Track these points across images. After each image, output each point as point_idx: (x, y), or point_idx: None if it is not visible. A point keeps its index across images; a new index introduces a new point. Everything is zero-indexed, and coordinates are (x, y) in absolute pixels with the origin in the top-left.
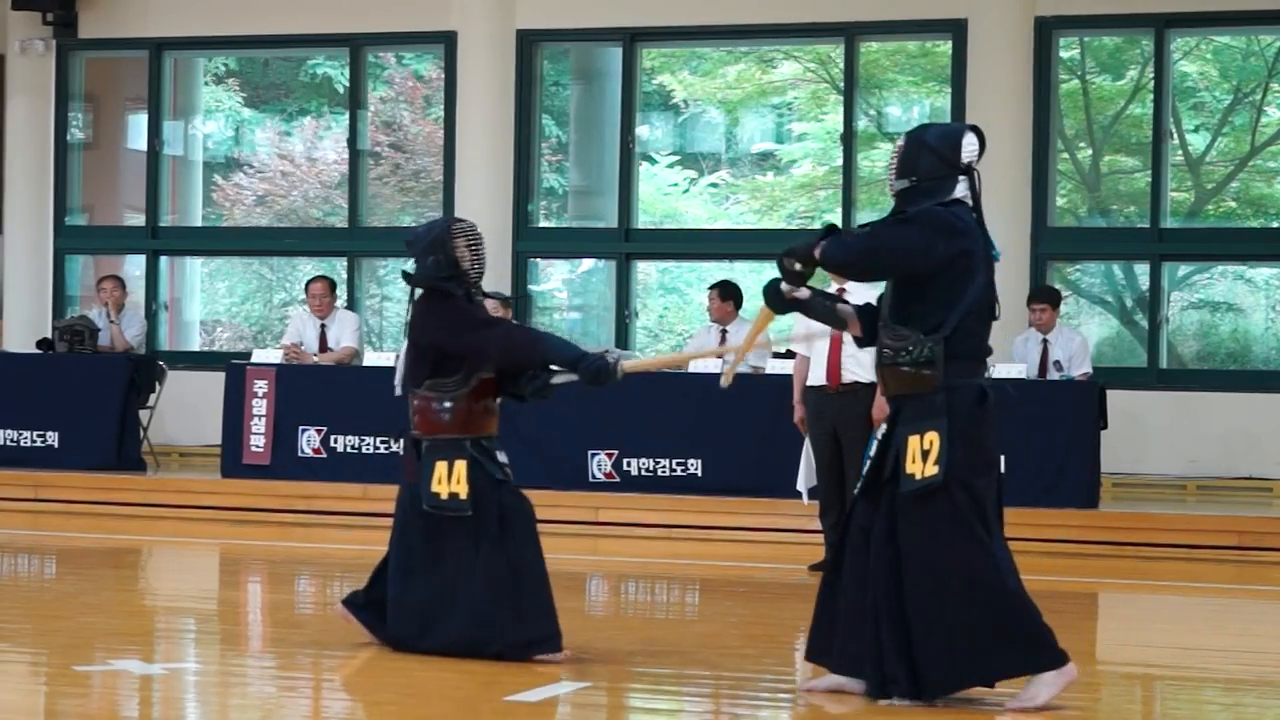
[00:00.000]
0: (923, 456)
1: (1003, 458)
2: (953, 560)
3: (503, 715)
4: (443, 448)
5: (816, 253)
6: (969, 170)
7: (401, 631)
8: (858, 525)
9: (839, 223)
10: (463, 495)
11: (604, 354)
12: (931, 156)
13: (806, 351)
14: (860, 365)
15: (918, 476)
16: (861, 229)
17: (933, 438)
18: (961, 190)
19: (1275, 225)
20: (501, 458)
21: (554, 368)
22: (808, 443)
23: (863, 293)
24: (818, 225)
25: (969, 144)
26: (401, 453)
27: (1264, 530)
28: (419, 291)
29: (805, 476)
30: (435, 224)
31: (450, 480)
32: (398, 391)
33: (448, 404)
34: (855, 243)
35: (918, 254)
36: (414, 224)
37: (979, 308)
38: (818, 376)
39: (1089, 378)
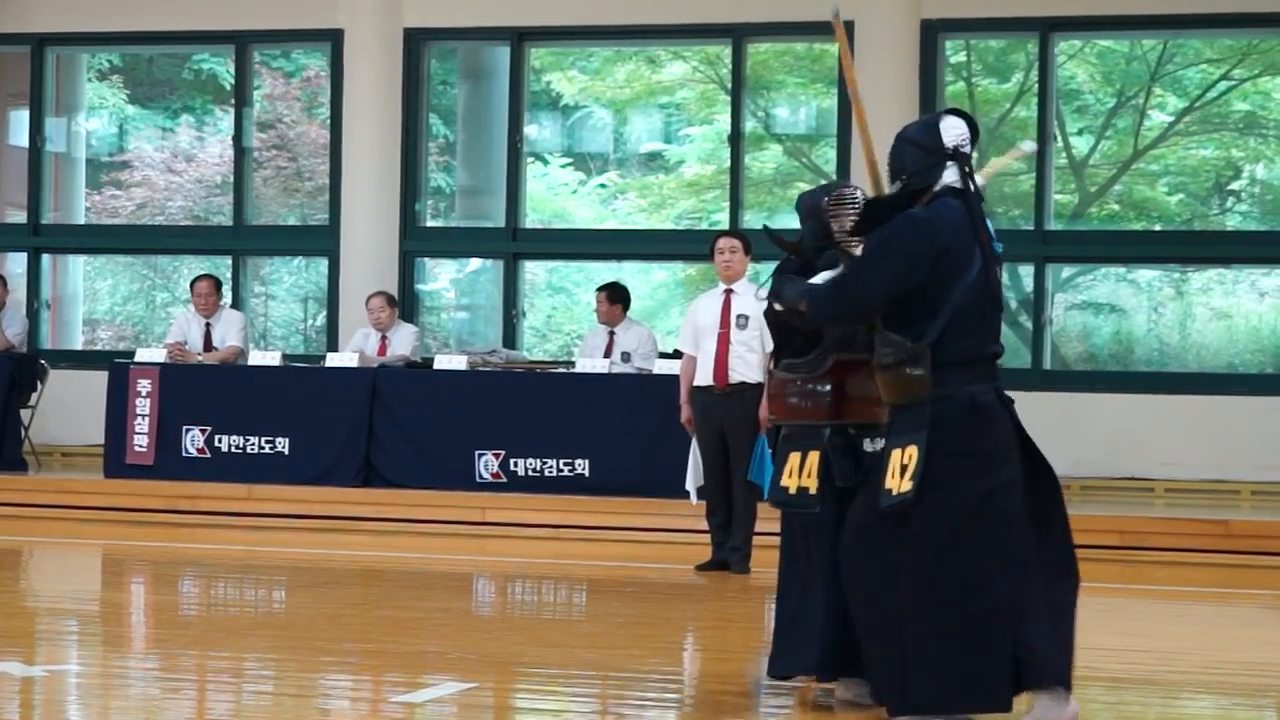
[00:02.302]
0: (901, 472)
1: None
2: (923, 579)
3: (390, 715)
4: (799, 436)
5: (802, 308)
6: (957, 154)
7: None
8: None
9: (726, 222)
10: (812, 490)
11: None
12: (913, 149)
13: (694, 351)
14: (747, 366)
15: (894, 492)
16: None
17: (912, 452)
18: (951, 176)
19: (1158, 228)
20: (869, 446)
21: None
22: (695, 443)
23: None
24: (706, 226)
25: (950, 127)
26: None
27: (1146, 530)
28: None
29: (693, 476)
30: (819, 190)
31: (801, 473)
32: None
33: (810, 387)
34: (838, 294)
35: (903, 278)
36: (300, 223)
37: (971, 306)
38: (705, 376)
39: None
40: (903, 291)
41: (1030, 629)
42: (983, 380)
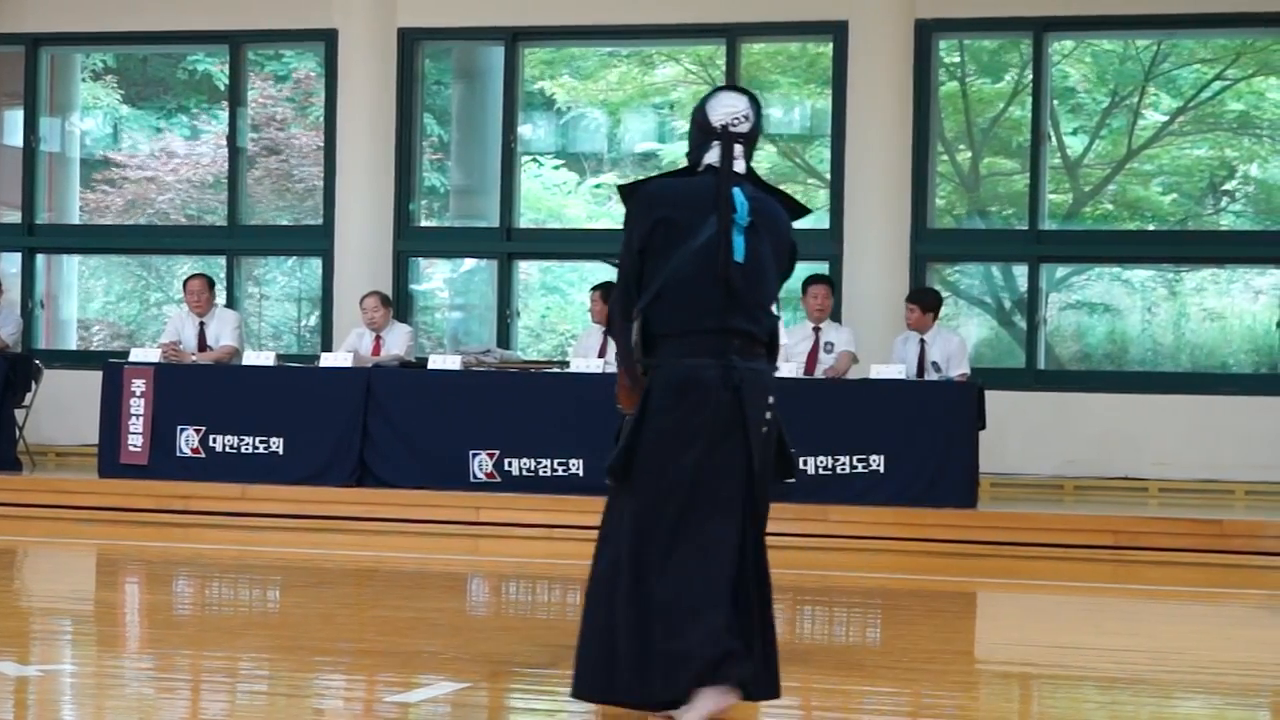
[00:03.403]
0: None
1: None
2: (619, 560)
3: (385, 715)
4: None
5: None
6: (724, 133)
7: None
8: None
9: None
10: None
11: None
12: (693, 128)
13: None
14: None
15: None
16: None
17: (628, 427)
18: (713, 156)
19: (1152, 228)
20: None
21: None
22: None
23: None
24: None
25: (718, 105)
26: None
27: (1140, 530)
28: None
29: None
30: None
31: None
32: None
33: None
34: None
35: (627, 260)
36: (294, 223)
37: (692, 276)
38: None
39: (967, 378)
40: (636, 275)
41: (711, 625)
42: (704, 355)
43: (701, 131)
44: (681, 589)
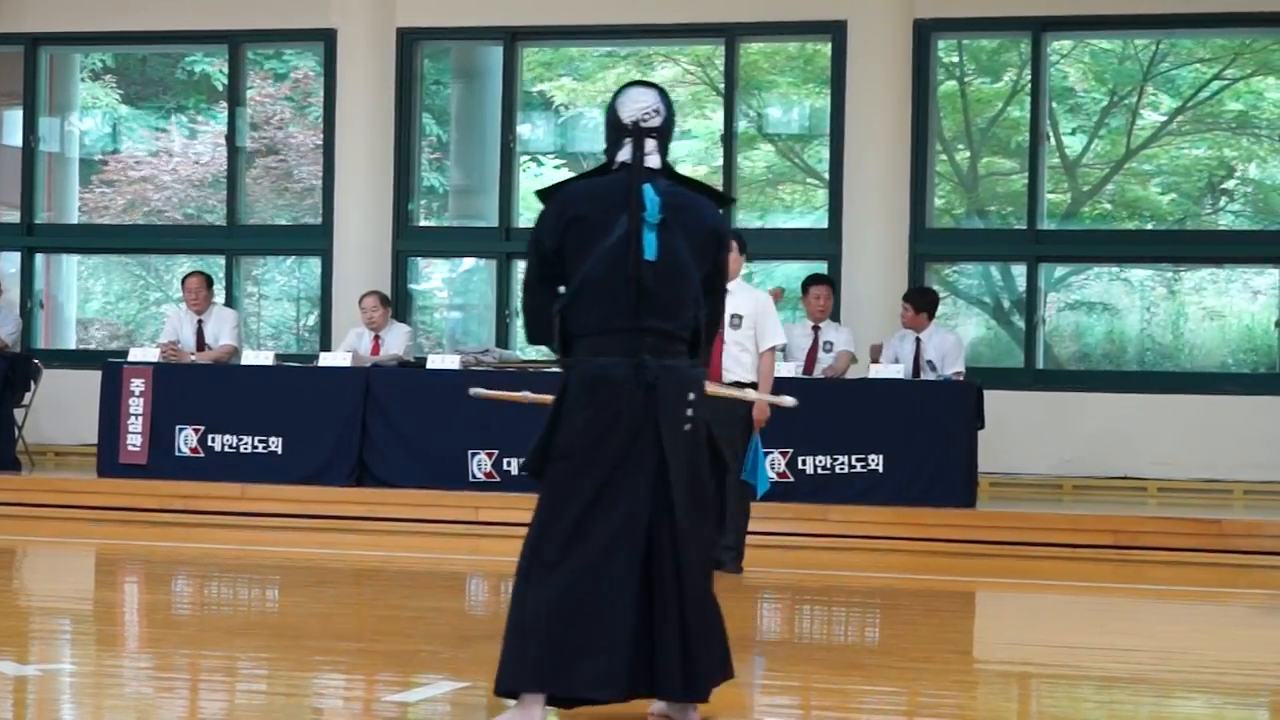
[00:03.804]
0: None
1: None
2: (525, 553)
3: (383, 714)
4: None
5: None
6: (635, 129)
7: None
8: None
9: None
10: None
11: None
12: (606, 125)
13: None
14: (741, 365)
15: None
16: None
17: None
18: (625, 153)
19: (1150, 227)
20: None
21: None
22: None
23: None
24: None
25: (628, 101)
26: None
27: (1139, 529)
28: None
29: None
30: None
31: None
32: None
33: None
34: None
35: (532, 264)
36: (293, 223)
37: (606, 275)
38: None
39: (962, 377)
40: (548, 271)
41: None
42: (616, 354)
43: (614, 129)
44: (579, 586)
